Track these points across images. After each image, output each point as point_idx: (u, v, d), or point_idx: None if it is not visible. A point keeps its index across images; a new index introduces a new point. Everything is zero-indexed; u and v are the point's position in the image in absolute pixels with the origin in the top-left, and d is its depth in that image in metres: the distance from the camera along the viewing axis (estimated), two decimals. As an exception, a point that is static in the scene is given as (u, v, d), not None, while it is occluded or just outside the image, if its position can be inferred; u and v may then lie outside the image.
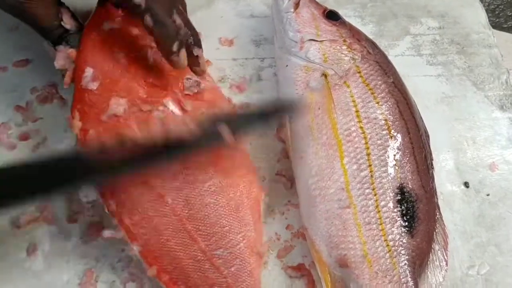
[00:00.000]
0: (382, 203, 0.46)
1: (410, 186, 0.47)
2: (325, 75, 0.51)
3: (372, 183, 0.47)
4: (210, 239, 0.42)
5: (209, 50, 0.58)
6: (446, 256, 0.48)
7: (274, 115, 0.48)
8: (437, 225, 0.48)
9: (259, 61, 0.60)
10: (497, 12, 0.70)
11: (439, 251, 0.48)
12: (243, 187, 0.45)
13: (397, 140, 0.48)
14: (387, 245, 0.45)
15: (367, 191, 0.47)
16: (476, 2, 0.67)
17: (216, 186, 0.44)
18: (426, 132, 0.51)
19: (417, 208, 0.47)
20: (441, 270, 0.47)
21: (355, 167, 0.47)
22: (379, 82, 0.51)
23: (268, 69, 0.59)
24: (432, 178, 0.49)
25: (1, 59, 0.56)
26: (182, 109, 0.46)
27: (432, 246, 0.48)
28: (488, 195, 0.54)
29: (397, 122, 0.49)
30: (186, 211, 0.42)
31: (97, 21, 0.47)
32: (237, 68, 0.59)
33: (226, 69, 0.58)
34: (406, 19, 0.65)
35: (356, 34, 0.54)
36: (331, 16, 0.55)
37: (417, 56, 0.62)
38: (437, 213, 0.49)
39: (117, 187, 0.43)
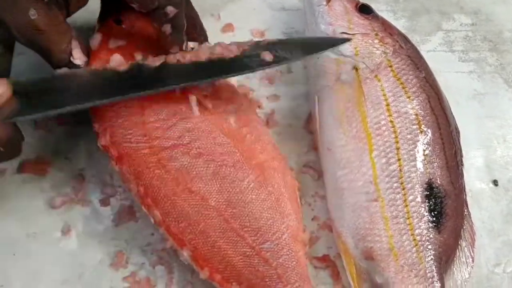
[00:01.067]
0: (410, 197, 0.46)
1: (438, 181, 0.47)
2: (356, 69, 0.51)
3: (401, 177, 0.47)
4: (257, 234, 0.43)
5: (241, 41, 0.59)
6: (473, 253, 0.48)
7: (317, 47, 0.49)
8: (465, 221, 0.48)
9: (289, 53, 0.60)
10: (532, 10, 0.69)
11: (465, 248, 0.48)
12: (279, 178, 0.46)
13: (427, 135, 0.48)
14: (414, 240, 0.45)
15: (395, 185, 0.47)
16: (510, -1, 0.67)
17: (254, 181, 0.44)
18: (456, 128, 0.51)
19: (445, 204, 0.47)
20: (467, 267, 0.47)
21: (384, 160, 0.47)
22: (411, 76, 0.51)
23: (298, 62, 0.59)
24: (461, 174, 0.49)
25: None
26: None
27: (459, 242, 0.48)
28: (517, 193, 0.54)
29: (427, 117, 0.49)
30: (230, 211, 0.43)
31: (103, 45, 0.48)
32: (267, 60, 0.59)
33: (257, 61, 0.59)
34: (439, 14, 0.64)
35: (388, 28, 0.54)
36: (364, 9, 0.55)
37: (449, 52, 0.62)
38: (465, 210, 0.49)
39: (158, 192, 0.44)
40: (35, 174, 0.51)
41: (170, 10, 0.44)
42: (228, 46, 0.45)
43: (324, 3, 0.54)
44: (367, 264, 0.46)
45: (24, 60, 0.56)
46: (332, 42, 0.50)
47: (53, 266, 0.48)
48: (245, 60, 0.45)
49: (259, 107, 0.56)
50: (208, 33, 0.57)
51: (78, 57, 0.45)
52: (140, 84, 0.43)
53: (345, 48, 0.52)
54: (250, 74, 0.57)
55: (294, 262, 0.44)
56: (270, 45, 0.46)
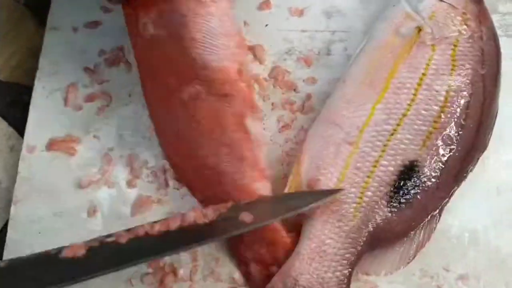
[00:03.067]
0: (384, 162, 0.45)
1: (424, 170, 0.45)
2: (419, 29, 0.49)
3: (388, 140, 0.45)
4: None
5: (278, 20, 0.57)
6: (414, 255, 0.45)
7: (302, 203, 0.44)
8: (427, 224, 0.45)
9: (329, 34, 0.56)
10: None
11: (411, 246, 0.45)
12: None
13: (443, 125, 0.46)
14: (360, 197, 0.45)
15: (378, 143, 0.45)
16: None
17: None
18: (485, 146, 0.48)
19: (415, 193, 0.44)
20: (399, 263, 0.45)
21: (383, 116, 0.46)
22: (468, 65, 0.47)
23: (338, 43, 0.56)
24: (456, 183, 0.46)
25: (73, 21, 0.56)
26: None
27: (406, 237, 0.45)
28: None
29: (457, 110, 0.46)
30: None
31: None
32: (305, 40, 0.56)
33: (294, 41, 0.56)
34: (495, -5, 0.59)
35: (481, 16, 0.51)
36: None
37: (504, 37, 0.56)
38: (437, 216, 0.46)
39: None
40: (63, 152, 0.51)
41: None
42: (203, 211, 0.43)
43: None
44: None
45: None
46: (319, 198, 0.44)
47: (78, 246, 0.47)
48: (221, 223, 0.42)
49: (294, 90, 0.54)
50: (243, 11, 0.55)
51: None
52: (102, 264, 0.40)
53: (424, 6, 0.50)
54: (286, 55, 0.55)
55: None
56: (250, 205, 0.44)
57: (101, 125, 0.52)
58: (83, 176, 0.50)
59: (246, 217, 0.42)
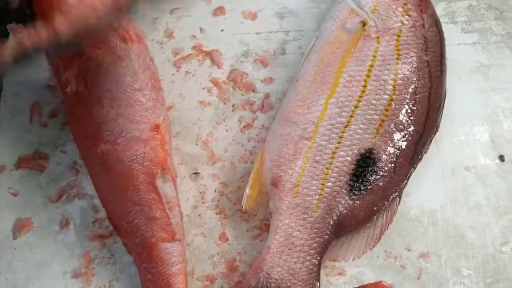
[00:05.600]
0: (341, 153, 0.47)
1: (380, 156, 0.47)
2: (364, 24, 0.51)
3: (343, 132, 0.47)
4: None
5: (233, 24, 0.58)
6: (379, 238, 0.47)
7: None
8: (388, 207, 0.47)
9: (283, 34, 0.58)
10: (542, -27, 0.65)
11: (375, 229, 0.47)
12: None
13: (394, 112, 0.48)
14: (322, 189, 0.46)
15: (333, 135, 0.47)
16: (517, -38, 0.63)
17: None
18: (436, 128, 0.50)
19: (374, 179, 0.46)
20: (365, 246, 0.47)
21: (336, 110, 0.48)
22: (412, 54, 0.50)
23: (292, 42, 0.58)
24: (412, 166, 0.48)
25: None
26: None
27: (369, 222, 0.47)
28: (525, 168, 0.51)
29: (406, 96, 0.48)
30: None
31: None
32: (260, 42, 0.58)
33: (249, 43, 0.58)
34: (440, -16, 0.61)
35: (423, 5, 0.53)
36: None
37: (451, 24, 0.59)
38: (397, 199, 0.47)
39: None
40: (33, 169, 0.52)
41: None
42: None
43: None
44: (270, 189, 0.47)
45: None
46: None
47: (53, 259, 0.48)
48: None
49: (253, 90, 0.55)
50: (198, 18, 0.57)
51: None
52: None
53: (366, 1, 0.52)
54: (242, 57, 0.57)
55: None
56: None
57: (67, 140, 0.53)
58: (53, 190, 0.51)
59: None
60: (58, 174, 0.52)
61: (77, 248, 0.49)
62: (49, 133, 0.53)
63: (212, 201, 0.51)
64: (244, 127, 0.54)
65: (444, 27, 0.55)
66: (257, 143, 0.53)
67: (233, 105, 0.55)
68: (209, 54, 0.56)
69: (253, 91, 0.55)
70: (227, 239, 0.49)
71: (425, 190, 0.50)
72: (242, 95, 0.55)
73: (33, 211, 0.50)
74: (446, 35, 0.55)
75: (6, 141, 0.53)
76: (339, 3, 0.54)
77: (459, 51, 0.57)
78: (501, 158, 0.52)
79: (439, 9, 0.59)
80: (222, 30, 0.58)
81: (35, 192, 0.51)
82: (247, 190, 0.47)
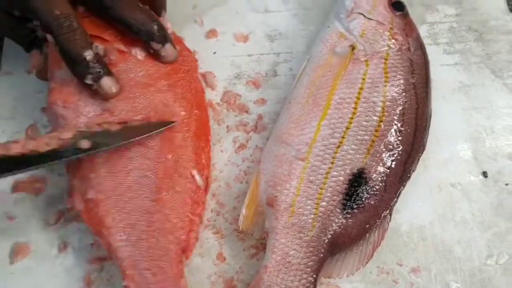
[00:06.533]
0: (334, 173, 0.48)
1: (371, 175, 0.49)
2: (353, 47, 0.53)
3: (336, 152, 0.49)
4: None
5: (225, 47, 0.60)
6: (371, 254, 0.48)
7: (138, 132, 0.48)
8: (380, 225, 0.49)
9: (274, 56, 0.60)
10: (517, -5, 0.69)
11: (367, 246, 0.49)
12: None
13: (384, 132, 0.50)
14: (316, 208, 0.48)
15: (326, 156, 0.49)
16: (495, -14, 0.66)
17: None
18: (423, 147, 0.52)
19: (366, 197, 0.48)
20: (359, 263, 0.48)
21: (329, 132, 0.50)
22: (399, 76, 0.52)
23: (283, 64, 0.60)
24: (402, 184, 0.50)
25: (26, 64, 0.57)
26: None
27: (362, 239, 0.49)
28: (507, 184, 0.54)
29: (394, 117, 0.50)
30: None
31: None
32: (252, 64, 0.60)
33: (242, 65, 0.59)
34: (422, 7, 0.64)
35: (407, 29, 0.55)
36: (396, 5, 0.56)
37: (434, 45, 0.62)
38: (388, 216, 0.49)
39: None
40: (30, 193, 0.52)
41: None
42: (43, 139, 0.45)
43: None
44: (266, 209, 0.49)
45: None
46: (156, 128, 0.48)
47: (52, 283, 0.49)
48: (61, 151, 0.44)
49: (246, 112, 0.57)
50: (192, 40, 0.58)
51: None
52: None
53: (355, 25, 0.54)
54: (235, 79, 0.58)
55: None
56: (91, 134, 0.46)
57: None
58: (50, 213, 0.51)
59: (84, 143, 0.45)
60: (55, 197, 0.52)
61: (76, 271, 0.49)
62: (44, 156, 0.54)
63: (209, 221, 0.52)
64: (238, 147, 0.55)
65: (428, 48, 0.57)
66: (251, 163, 0.54)
67: (227, 126, 0.56)
68: (203, 76, 0.57)
69: (246, 112, 0.57)
70: (225, 259, 0.50)
71: (414, 207, 0.52)
72: (236, 116, 0.57)
73: (31, 235, 0.50)
74: (429, 56, 0.57)
75: (2, 165, 0.53)
76: (328, 27, 0.56)
77: (442, 71, 0.60)
78: (484, 174, 0.54)
79: (422, 31, 0.62)
80: (214, 53, 0.60)
81: (32, 216, 0.51)
82: (243, 210, 0.49)
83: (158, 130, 0.47)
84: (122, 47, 0.50)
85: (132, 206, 0.46)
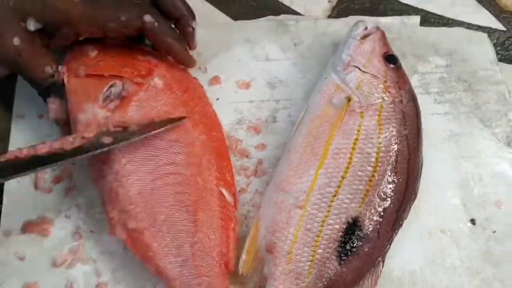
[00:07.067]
0: (330, 221, 0.51)
1: (365, 223, 0.51)
2: (349, 99, 0.56)
3: (332, 201, 0.51)
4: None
5: (228, 93, 0.63)
6: None
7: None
8: (373, 271, 0.51)
9: (274, 103, 0.63)
10: (506, 45, 0.72)
11: None
12: None
13: (377, 182, 0.52)
14: (313, 255, 0.50)
15: (323, 204, 0.51)
16: (484, 38, 0.70)
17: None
18: (415, 195, 0.54)
19: (360, 245, 0.50)
20: None
21: (325, 180, 0.52)
22: (392, 128, 0.55)
23: (283, 111, 0.63)
24: (394, 232, 0.53)
25: (38, 108, 0.60)
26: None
27: (356, 286, 0.51)
28: (494, 231, 0.56)
29: (387, 168, 0.53)
30: None
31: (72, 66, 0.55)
32: (253, 110, 0.62)
33: (243, 111, 0.62)
34: (414, 58, 0.68)
35: (400, 82, 0.58)
36: (389, 58, 0.59)
37: (425, 95, 0.65)
38: (381, 263, 0.52)
39: None
40: (38, 234, 0.54)
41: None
42: (69, 139, 0.49)
43: (358, 38, 0.60)
44: (265, 255, 0.51)
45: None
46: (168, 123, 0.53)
47: (58, 324, 0.50)
48: (85, 146, 0.49)
49: (247, 156, 0.59)
50: (196, 87, 0.60)
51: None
52: None
53: (351, 78, 0.57)
54: (237, 125, 0.61)
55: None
56: (112, 132, 0.51)
57: (70, 205, 0.56)
58: (57, 255, 0.53)
59: (106, 139, 0.49)
60: (62, 239, 0.54)
61: (82, 313, 0.51)
62: (53, 199, 0.56)
63: (210, 264, 0.54)
64: (239, 191, 0.57)
65: (419, 98, 0.61)
66: (251, 208, 0.57)
67: (229, 171, 0.59)
68: (207, 122, 0.60)
69: (247, 157, 0.59)
70: (225, 302, 0.52)
71: (406, 253, 0.55)
72: (237, 160, 0.59)
73: (39, 276, 0.52)
74: (420, 105, 0.60)
75: (12, 206, 0.55)
76: (325, 78, 0.59)
77: (433, 120, 0.63)
78: (473, 221, 0.57)
79: (414, 81, 0.66)
80: (218, 99, 0.62)
81: (41, 257, 0.53)
82: (243, 256, 0.51)
83: (177, 122, 0.53)
84: (139, 79, 0.54)
85: (175, 230, 0.50)
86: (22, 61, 0.52)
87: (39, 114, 0.60)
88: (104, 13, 0.53)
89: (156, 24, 0.54)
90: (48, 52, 0.54)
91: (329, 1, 0.74)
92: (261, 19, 0.70)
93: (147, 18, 0.53)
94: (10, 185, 0.56)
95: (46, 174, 0.57)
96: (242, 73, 0.65)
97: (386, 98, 0.56)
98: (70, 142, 0.49)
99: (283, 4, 0.74)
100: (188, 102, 0.56)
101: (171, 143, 0.52)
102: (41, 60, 0.53)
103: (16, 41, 0.51)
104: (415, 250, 0.55)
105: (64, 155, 0.48)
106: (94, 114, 0.51)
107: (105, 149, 0.49)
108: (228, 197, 0.53)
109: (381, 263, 0.52)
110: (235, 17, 0.71)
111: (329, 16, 0.73)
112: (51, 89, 0.54)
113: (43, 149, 0.47)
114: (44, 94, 0.55)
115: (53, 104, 0.53)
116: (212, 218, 0.51)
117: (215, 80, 0.64)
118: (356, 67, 0.58)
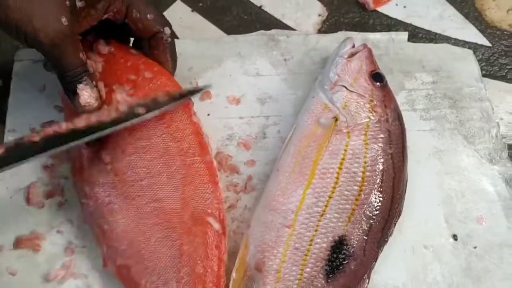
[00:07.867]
0: (318, 240, 0.52)
1: (352, 242, 0.52)
2: (336, 119, 0.57)
3: (319, 220, 0.53)
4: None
5: (218, 109, 0.64)
6: None
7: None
8: (359, 285, 0.53)
9: (264, 119, 0.64)
10: (491, 61, 0.74)
11: None
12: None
13: (363, 201, 0.54)
14: (301, 274, 0.51)
15: (311, 224, 0.53)
16: (470, 55, 0.72)
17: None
18: (399, 213, 0.56)
19: (347, 263, 0.52)
20: None
21: (313, 200, 0.53)
22: (377, 147, 0.56)
23: (272, 127, 0.64)
24: (380, 249, 0.54)
25: (30, 122, 0.61)
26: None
27: None
28: (475, 247, 0.58)
29: (373, 187, 0.54)
30: None
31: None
32: (244, 126, 0.64)
33: (234, 127, 0.63)
34: (401, 74, 0.69)
35: (386, 101, 0.59)
36: (376, 77, 0.60)
37: (411, 111, 0.66)
38: (367, 279, 0.53)
39: None
40: (30, 250, 0.55)
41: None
42: (104, 112, 0.51)
43: (345, 57, 0.61)
44: (255, 273, 0.52)
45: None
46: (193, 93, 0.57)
47: (49, 338, 0.52)
48: (122, 117, 0.51)
49: (237, 172, 0.61)
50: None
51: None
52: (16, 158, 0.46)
53: (338, 97, 0.58)
54: (227, 141, 0.62)
55: None
56: (144, 104, 0.53)
57: (62, 220, 0.56)
58: (49, 270, 0.54)
59: (140, 109, 0.52)
60: (54, 254, 0.55)
61: (74, 328, 0.52)
62: (45, 214, 0.57)
63: (199, 279, 0.55)
64: (228, 207, 0.59)
65: (405, 114, 0.62)
66: (240, 223, 0.58)
67: (218, 187, 0.60)
68: (197, 138, 0.61)
69: (237, 173, 0.61)
70: (214, 320, 0.53)
71: (389, 268, 0.57)
72: (227, 176, 0.60)
73: (31, 291, 0.53)
74: (406, 122, 0.61)
75: (4, 221, 0.56)
76: (313, 97, 0.60)
77: (418, 136, 0.64)
78: (454, 237, 0.59)
79: (401, 97, 0.67)
80: (208, 114, 0.63)
81: (33, 272, 0.54)
82: (234, 274, 0.52)
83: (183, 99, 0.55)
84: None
85: (160, 266, 0.50)
86: (64, 44, 0.47)
87: (30, 128, 0.61)
88: (143, 1, 0.55)
89: (170, 39, 0.57)
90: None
91: (319, 15, 0.75)
92: (252, 33, 0.71)
93: (167, 30, 0.56)
94: (2, 200, 0.57)
95: (39, 189, 0.58)
96: (233, 88, 0.66)
97: (372, 118, 0.57)
98: (106, 114, 0.50)
99: (274, 17, 0.75)
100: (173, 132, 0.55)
101: (154, 179, 0.52)
102: (79, 45, 0.50)
103: (64, 20, 0.46)
104: (398, 265, 0.57)
105: (101, 128, 0.49)
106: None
107: (139, 119, 0.51)
108: (216, 226, 0.52)
109: (367, 280, 0.53)
110: (227, 30, 0.72)
111: (320, 30, 0.75)
112: (80, 77, 0.51)
113: (81, 123, 0.49)
114: (70, 83, 0.51)
115: (85, 92, 0.51)
116: (200, 250, 0.51)
117: (206, 95, 0.65)
118: (343, 86, 0.59)
